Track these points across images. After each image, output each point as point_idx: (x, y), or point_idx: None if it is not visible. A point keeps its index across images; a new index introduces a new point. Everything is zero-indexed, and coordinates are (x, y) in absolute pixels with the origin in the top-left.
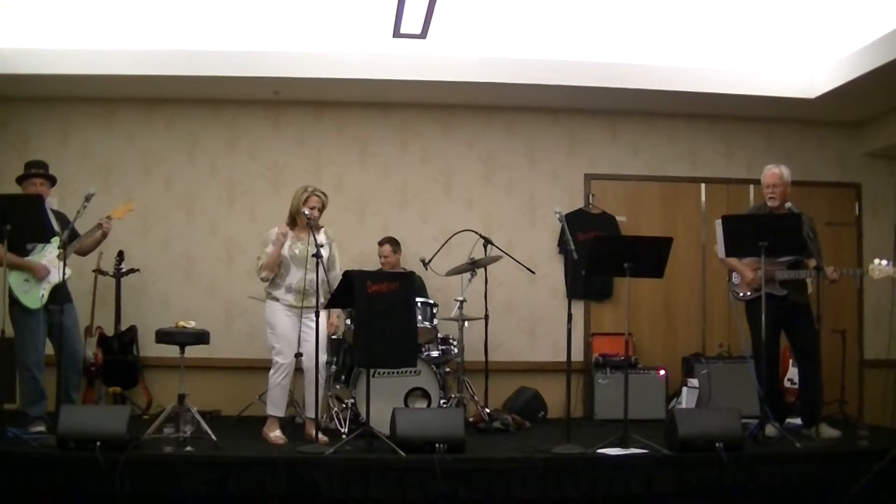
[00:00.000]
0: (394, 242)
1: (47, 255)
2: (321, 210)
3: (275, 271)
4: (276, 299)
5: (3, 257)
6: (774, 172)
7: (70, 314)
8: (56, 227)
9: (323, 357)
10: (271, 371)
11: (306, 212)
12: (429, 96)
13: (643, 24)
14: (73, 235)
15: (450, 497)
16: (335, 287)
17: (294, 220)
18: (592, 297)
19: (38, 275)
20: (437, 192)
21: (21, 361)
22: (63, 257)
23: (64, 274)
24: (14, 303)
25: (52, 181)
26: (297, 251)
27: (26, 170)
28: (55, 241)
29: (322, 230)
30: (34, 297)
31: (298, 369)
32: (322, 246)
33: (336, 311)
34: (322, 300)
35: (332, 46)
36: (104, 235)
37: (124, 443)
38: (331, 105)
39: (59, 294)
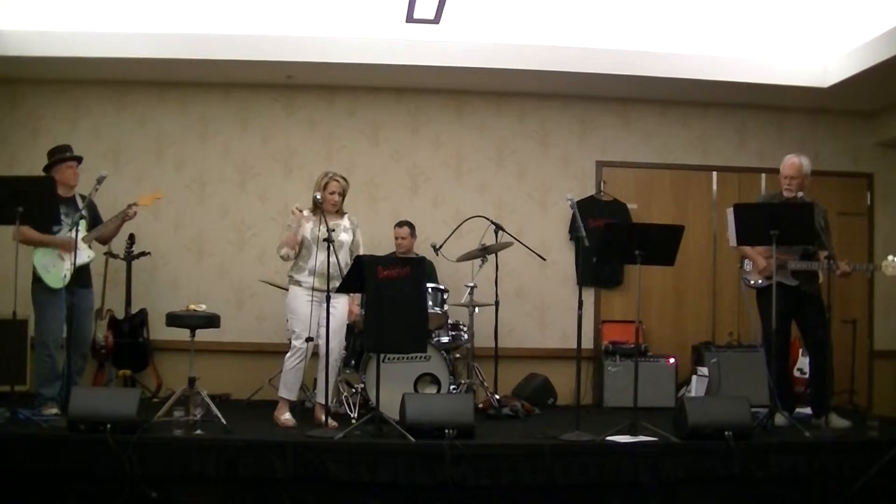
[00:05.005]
0: (412, 226)
1: (73, 235)
2: (342, 195)
3: (294, 248)
4: (299, 283)
5: (17, 236)
6: (794, 163)
7: (88, 298)
8: (85, 211)
9: (341, 343)
10: (288, 354)
11: (318, 195)
12: (441, 81)
13: (657, 11)
14: (96, 221)
15: (458, 482)
16: None
17: (316, 206)
18: (603, 284)
19: (65, 249)
20: (449, 178)
21: (40, 341)
22: (76, 238)
23: (75, 256)
24: (37, 281)
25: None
26: (318, 233)
27: (59, 153)
28: (82, 224)
29: (346, 216)
30: (56, 276)
31: (314, 354)
32: (333, 230)
33: (357, 299)
34: (334, 286)
35: (345, 31)
36: (124, 221)
37: (134, 425)
38: (343, 89)
39: (78, 277)
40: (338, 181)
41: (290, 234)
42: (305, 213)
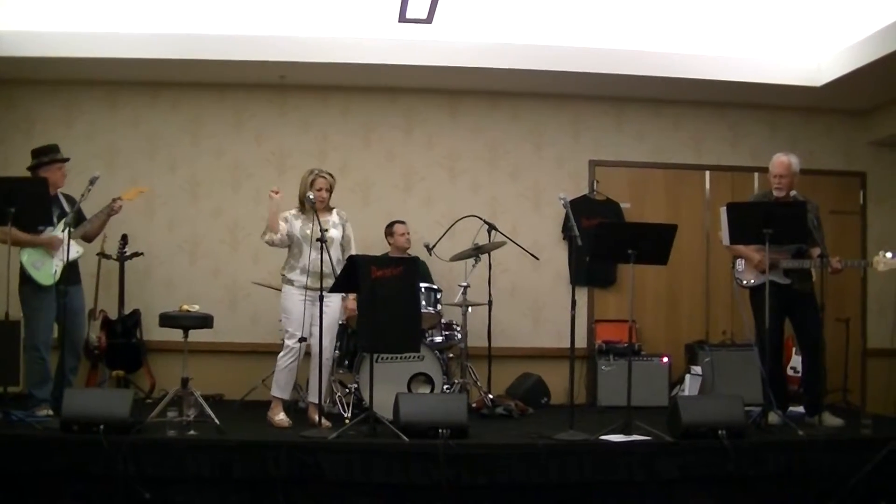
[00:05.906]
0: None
1: (59, 234)
2: (329, 191)
3: (276, 231)
4: (291, 282)
5: (9, 239)
6: (783, 161)
7: (78, 296)
8: (67, 208)
9: (332, 342)
10: (281, 353)
11: (311, 195)
12: (434, 81)
13: (649, 10)
14: (81, 218)
15: (452, 482)
16: None
17: (303, 204)
18: (596, 283)
19: (53, 247)
20: (442, 178)
21: (31, 343)
22: (67, 238)
23: (68, 253)
24: (26, 281)
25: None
26: (308, 231)
27: (47, 154)
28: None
29: (334, 211)
30: (46, 273)
31: (307, 354)
32: (327, 230)
33: (353, 296)
34: (327, 284)
35: (338, 31)
36: (109, 216)
37: (128, 426)
38: (336, 89)
39: (68, 275)
40: (324, 177)
41: (272, 218)
42: (293, 212)
